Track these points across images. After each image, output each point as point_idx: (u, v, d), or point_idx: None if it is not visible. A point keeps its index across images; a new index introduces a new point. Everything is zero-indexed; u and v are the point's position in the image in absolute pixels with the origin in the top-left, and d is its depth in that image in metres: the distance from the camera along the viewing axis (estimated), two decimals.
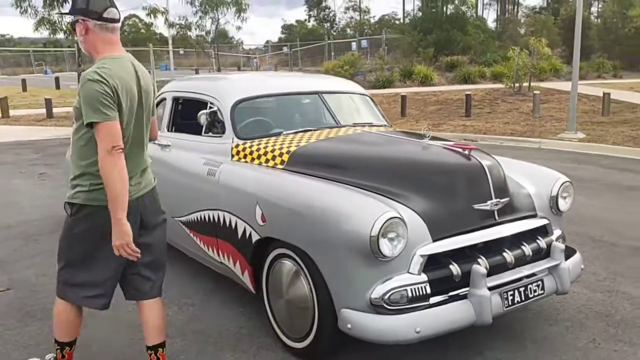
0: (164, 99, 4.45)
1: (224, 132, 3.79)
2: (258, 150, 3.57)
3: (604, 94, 15.15)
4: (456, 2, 33.05)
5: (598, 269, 4.44)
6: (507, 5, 58.80)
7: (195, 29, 16.99)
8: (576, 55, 12.65)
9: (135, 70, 2.58)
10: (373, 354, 3.13)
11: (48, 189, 7.51)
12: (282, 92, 4.15)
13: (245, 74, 5.50)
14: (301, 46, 32.79)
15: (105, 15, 2.51)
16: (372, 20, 51.86)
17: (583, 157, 9.76)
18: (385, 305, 2.68)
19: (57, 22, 15.36)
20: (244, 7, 16.34)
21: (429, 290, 2.74)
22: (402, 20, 50.59)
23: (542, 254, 3.19)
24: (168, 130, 4.33)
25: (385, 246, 2.64)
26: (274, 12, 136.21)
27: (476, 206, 2.97)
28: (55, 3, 14.68)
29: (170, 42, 34.55)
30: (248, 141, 3.69)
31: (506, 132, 12.88)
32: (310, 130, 3.83)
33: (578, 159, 9.61)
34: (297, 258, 3.00)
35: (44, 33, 15.82)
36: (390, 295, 2.68)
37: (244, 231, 3.33)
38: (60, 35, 16.45)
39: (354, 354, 3.11)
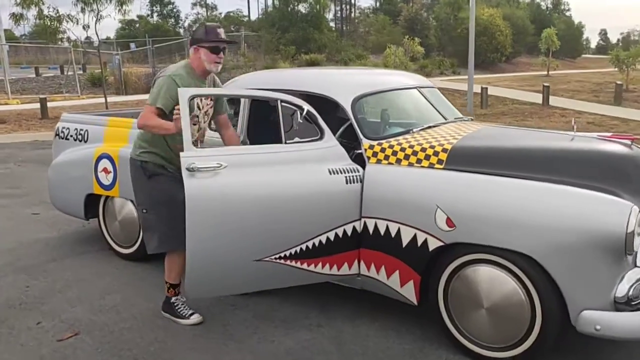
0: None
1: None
2: (402, 150, 3.26)
3: (482, 88, 16.50)
4: (311, 1, 33.74)
5: None
6: (343, 5, 61.48)
7: (67, 22, 15.18)
8: (471, 56, 13.65)
9: None
10: None
11: None
12: (392, 88, 3.83)
13: (348, 70, 5.01)
14: (154, 43, 30.98)
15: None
16: (219, 17, 51.01)
17: None
18: (630, 302, 2.62)
19: None
20: None
21: None
22: (249, 18, 50.51)
23: None
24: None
25: (636, 242, 2.59)
26: None
27: None
28: None
29: (2, 35, 30.78)
30: (383, 141, 3.37)
31: None
32: (432, 126, 3.63)
33: None
34: (505, 263, 2.82)
35: None
36: (633, 291, 2.63)
37: (414, 238, 3.05)
38: None
39: None
